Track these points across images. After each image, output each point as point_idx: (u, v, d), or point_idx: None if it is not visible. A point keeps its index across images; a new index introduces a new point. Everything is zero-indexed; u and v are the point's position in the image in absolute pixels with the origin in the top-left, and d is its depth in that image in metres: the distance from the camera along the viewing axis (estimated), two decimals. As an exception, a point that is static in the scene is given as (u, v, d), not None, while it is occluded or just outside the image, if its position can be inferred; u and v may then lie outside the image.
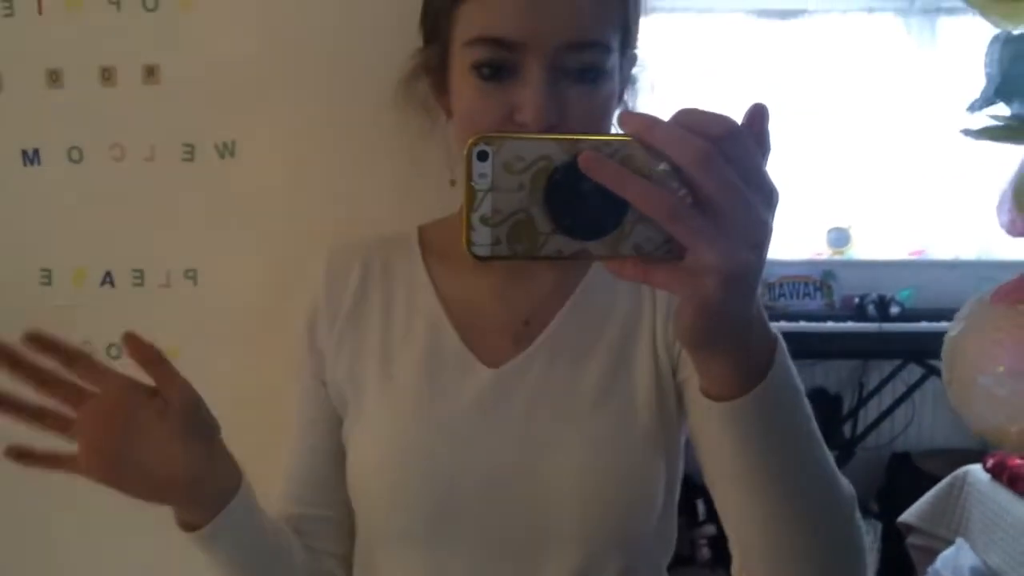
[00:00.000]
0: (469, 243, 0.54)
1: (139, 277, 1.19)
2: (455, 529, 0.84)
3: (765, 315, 0.63)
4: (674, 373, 0.88)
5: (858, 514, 0.74)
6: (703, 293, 0.54)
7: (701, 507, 3.71)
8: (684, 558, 3.63)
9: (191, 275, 1.18)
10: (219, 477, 0.79)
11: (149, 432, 0.74)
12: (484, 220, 0.53)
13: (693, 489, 3.76)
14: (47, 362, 0.74)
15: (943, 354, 2.29)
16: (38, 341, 0.74)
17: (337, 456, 0.94)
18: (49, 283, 1.19)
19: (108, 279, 1.19)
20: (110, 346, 1.19)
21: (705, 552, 3.68)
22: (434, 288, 0.92)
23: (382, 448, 0.87)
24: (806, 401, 0.68)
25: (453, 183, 0.90)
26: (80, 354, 0.75)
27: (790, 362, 0.66)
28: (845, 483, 0.73)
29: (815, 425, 0.69)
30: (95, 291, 1.19)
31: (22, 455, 0.75)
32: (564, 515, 0.83)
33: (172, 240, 1.17)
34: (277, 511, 0.95)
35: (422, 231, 0.98)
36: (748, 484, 0.68)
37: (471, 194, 0.53)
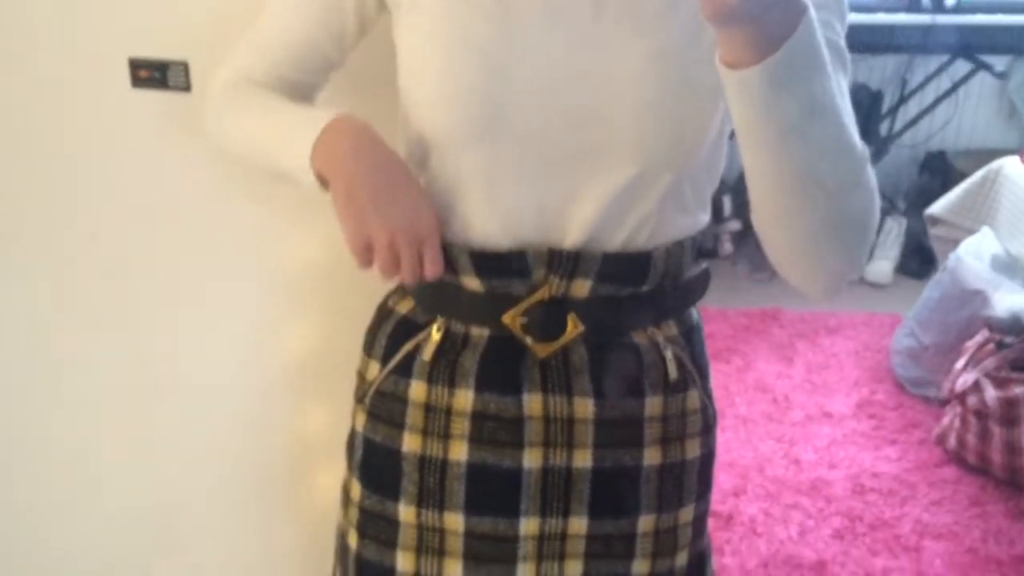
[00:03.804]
0: None
1: None
2: (506, 129, 0.82)
3: None
4: None
5: (868, 176, 0.76)
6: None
7: (727, 203, 3.75)
8: (707, 251, 3.72)
9: None
10: None
11: None
12: None
13: (720, 186, 3.81)
14: None
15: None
16: None
17: (342, 36, 0.91)
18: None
19: None
20: None
21: (728, 247, 3.76)
22: None
23: (434, 38, 0.83)
24: (827, 72, 0.69)
25: None
26: None
27: (814, 36, 0.66)
28: (858, 148, 0.74)
29: (832, 94, 0.70)
30: None
31: None
32: (620, 125, 0.81)
33: None
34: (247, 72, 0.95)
35: None
36: (758, 146, 0.71)
37: None
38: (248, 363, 1.30)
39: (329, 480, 1.26)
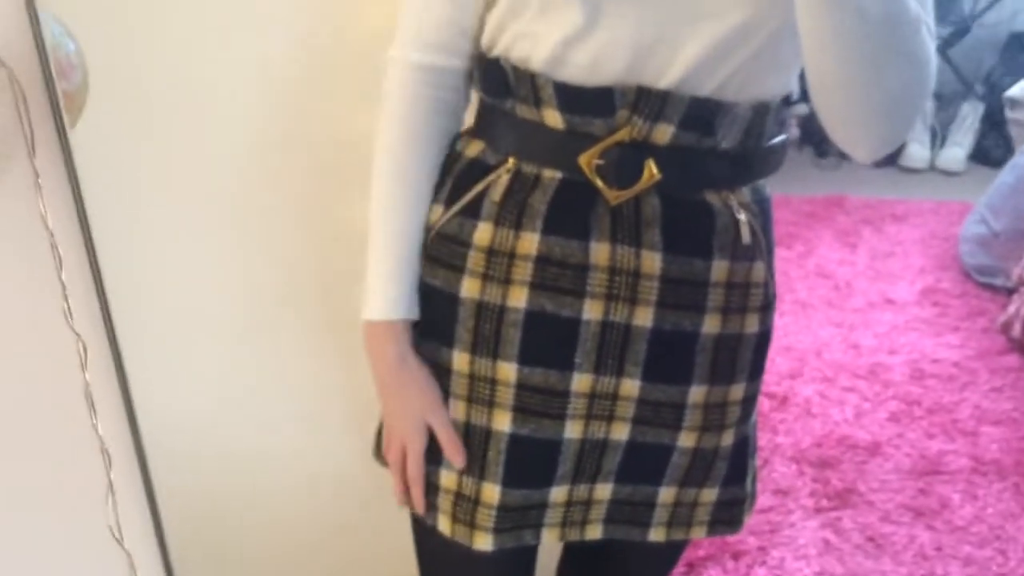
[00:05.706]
0: None
1: None
2: None
3: None
4: None
5: (924, 34, 0.78)
6: None
7: (794, 85, 3.64)
8: (773, 137, 3.64)
9: None
10: None
11: None
12: None
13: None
14: None
15: None
16: None
17: None
18: None
19: None
20: None
21: (795, 131, 3.67)
22: None
23: None
24: None
25: None
26: None
27: None
28: (912, 9, 0.76)
29: None
30: None
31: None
32: None
33: None
34: (403, 54, 0.91)
35: None
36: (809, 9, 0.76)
37: None
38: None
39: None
